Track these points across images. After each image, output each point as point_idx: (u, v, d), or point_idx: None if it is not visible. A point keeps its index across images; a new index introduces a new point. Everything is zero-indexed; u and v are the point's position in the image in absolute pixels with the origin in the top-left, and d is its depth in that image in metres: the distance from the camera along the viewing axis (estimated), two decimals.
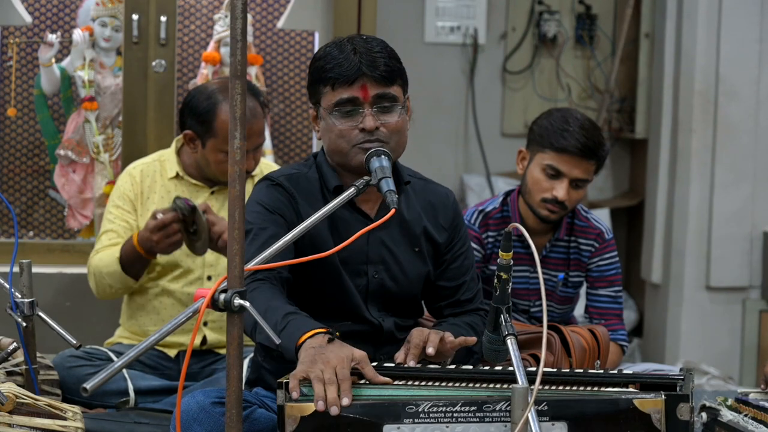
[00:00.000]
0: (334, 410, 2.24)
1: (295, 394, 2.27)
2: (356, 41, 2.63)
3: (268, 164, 3.78)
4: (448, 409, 2.28)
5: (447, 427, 2.28)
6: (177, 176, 3.62)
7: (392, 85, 2.62)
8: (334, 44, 2.65)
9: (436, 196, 2.86)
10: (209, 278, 3.59)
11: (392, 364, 2.51)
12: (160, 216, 3.32)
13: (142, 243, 3.39)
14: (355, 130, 2.61)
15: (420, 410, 2.28)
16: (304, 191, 2.70)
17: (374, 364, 2.52)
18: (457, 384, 2.38)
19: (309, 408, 2.28)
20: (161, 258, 3.56)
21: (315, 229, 2.64)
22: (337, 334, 2.42)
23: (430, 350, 2.54)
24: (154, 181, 3.63)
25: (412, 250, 2.78)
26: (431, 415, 2.28)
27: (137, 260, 3.45)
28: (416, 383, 2.39)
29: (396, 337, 2.76)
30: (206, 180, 3.62)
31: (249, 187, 3.62)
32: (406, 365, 2.52)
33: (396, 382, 2.37)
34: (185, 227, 3.34)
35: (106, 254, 3.51)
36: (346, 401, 2.26)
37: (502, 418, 2.27)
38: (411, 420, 2.28)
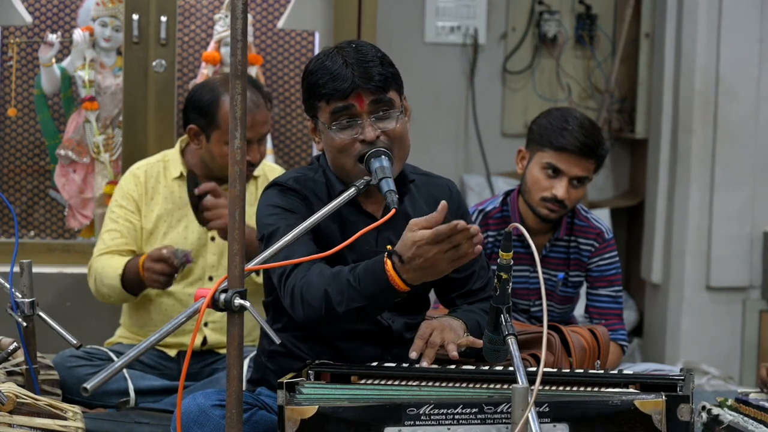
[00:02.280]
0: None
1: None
2: (346, 51, 2.60)
3: (269, 166, 3.78)
4: (449, 411, 2.28)
5: (448, 429, 2.28)
6: (181, 176, 3.62)
7: (387, 91, 2.61)
8: (325, 56, 2.62)
9: (439, 189, 2.86)
10: (210, 279, 3.59)
11: (393, 365, 2.51)
12: (165, 252, 3.41)
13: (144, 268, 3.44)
14: (356, 143, 2.60)
15: (421, 412, 2.28)
16: (313, 194, 2.70)
17: (374, 364, 2.53)
18: (457, 384, 2.38)
19: (309, 411, 2.28)
20: None
21: (328, 233, 2.64)
22: (389, 247, 2.44)
23: (454, 354, 2.55)
24: (158, 181, 3.63)
25: None
26: (432, 417, 2.28)
27: (137, 281, 3.47)
28: (416, 383, 2.39)
29: (404, 338, 2.75)
30: (210, 179, 3.62)
31: (252, 189, 3.63)
32: (418, 366, 2.52)
33: (396, 382, 2.37)
34: (174, 272, 3.44)
35: (110, 264, 3.51)
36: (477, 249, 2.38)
37: (504, 420, 2.27)
38: (412, 422, 2.28)
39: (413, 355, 2.55)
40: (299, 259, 2.38)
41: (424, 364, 2.52)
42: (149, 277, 3.41)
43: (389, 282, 2.39)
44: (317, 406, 2.28)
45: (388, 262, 2.39)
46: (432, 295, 2.95)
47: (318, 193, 2.70)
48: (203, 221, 3.44)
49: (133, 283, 3.48)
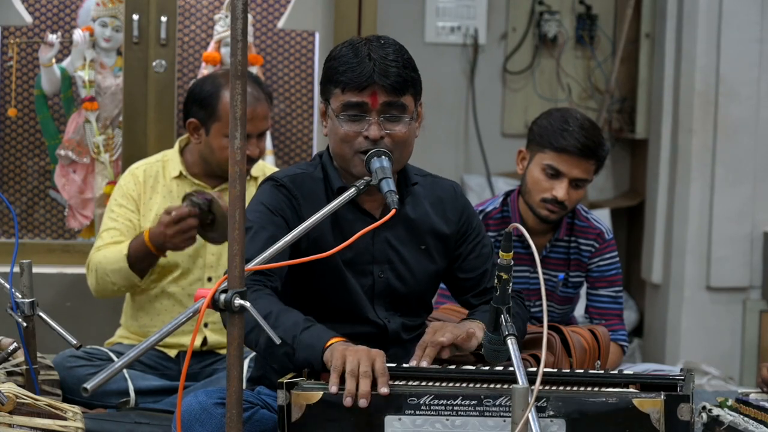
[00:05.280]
0: (363, 402, 2.29)
1: (334, 389, 2.31)
2: (373, 45, 2.60)
3: (269, 167, 3.78)
4: (448, 402, 2.30)
5: (447, 419, 2.30)
6: (180, 176, 3.62)
7: (403, 95, 2.60)
8: (350, 45, 2.62)
9: (443, 190, 2.86)
10: (209, 279, 3.59)
11: (393, 364, 2.51)
12: (174, 213, 3.35)
13: (154, 239, 3.39)
14: (360, 137, 2.59)
15: (421, 402, 2.30)
16: (308, 192, 2.69)
17: None
18: (457, 384, 2.39)
19: (315, 396, 2.31)
20: (161, 259, 3.55)
21: (318, 230, 2.64)
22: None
23: (443, 339, 2.55)
24: (157, 181, 3.63)
25: (418, 249, 2.77)
26: (432, 407, 2.30)
27: (147, 257, 3.44)
28: (417, 383, 2.39)
29: (402, 338, 2.75)
30: (209, 179, 3.62)
31: (252, 191, 3.62)
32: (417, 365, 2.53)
33: (397, 382, 2.38)
34: (201, 221, 3.36)
35: (110, 251, 3.50)
36: (385, 390, 2.30)
37: (502, 413, 2.28)
38: (412, 412, 2.30)
39: (413, 363, 2.55)
40: (287, 262, 2.35)
41: (424, 363, 2.52)
42: (177, 240, 3.35)
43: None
44: (322, 392, 2.31)
45: (342, 340, 2.41)
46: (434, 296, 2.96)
47: (313, 191, 2.69)
48: (207, 238, 3.42)
49: (139, 258, 3.44)
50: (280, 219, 2.63)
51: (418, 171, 2.85)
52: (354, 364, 2.31)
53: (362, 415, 2.30)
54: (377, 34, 2.71)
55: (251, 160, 3.55)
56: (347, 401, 2.28)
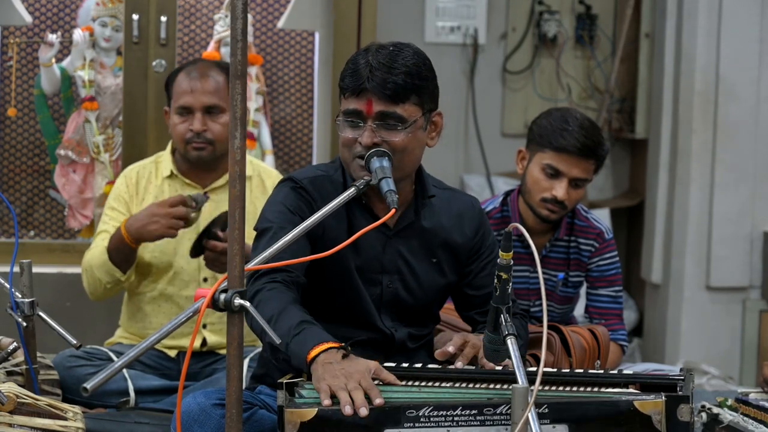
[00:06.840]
0: (363, 411, 2.24)
1: (327, 402, 2.26)
2: (381, 53, 2.60)
3: (264, 168, 3.76)
4: (448, 413, 2.27)
5: (448, 430, 2.27)
6: (171, 175, 3.62)
7: (401, 104, 2.60)
8: (364, 51, 2.64)
9: (463, 205, 2.86)
10: (205, 280, 3.58)
11: (392, 364, 2.51)
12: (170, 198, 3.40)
13: (129, 226, 3.39)
14: (356, 142, 2.60)
15: (420, 414, 2.27)
16: (327, 195, 2.68)
17: None
18: (457, 384, 2.38)
19: (309, 413, 2.26)
20: (154, 259, 3.55)
21: (333, 235, 2.64)
22: (349, 348, 2.40)
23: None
24: (149, 181, 3.63)
25: (430, 262, 2.76)
26: (432, 419, 2.27)
27: (122, 247, 3.42)
28: (417, 383, 2.39)
29: (408, 347, 2.75)
30: (198, 176, 3.61)
31: (248, 192, 3.62)
32: (453, 366, 2.52)
33: (394, 389, 2.37)
34: (186, 217, 3.38)
35: (97, 249, 3.50)
36: (379, 401, 2.26)
37: (503, 421, 2.26)
38: (411, 424, 2.27)
39: (451, 349, 2.54)
40: (291, 260, 2.35)
41: (459, 364, 2.51)
42: (163, 222, 3.35)
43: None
44: (317, 409, 2.27)
45: (326, 348, 2.37)
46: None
47: (332, 194, 2.68)
48: (201, 255, 3.42)
49: (116, 249, 3.43)
50: (300, 219, 2.62)
51: (437, 183, 2.85)
52: (340, 385, 2.28)
53: (360, 430, 2.26)
54: (399, 41, 2.69)
55: (200, 137, 3.49)
56: (347, 410, 2.24)
